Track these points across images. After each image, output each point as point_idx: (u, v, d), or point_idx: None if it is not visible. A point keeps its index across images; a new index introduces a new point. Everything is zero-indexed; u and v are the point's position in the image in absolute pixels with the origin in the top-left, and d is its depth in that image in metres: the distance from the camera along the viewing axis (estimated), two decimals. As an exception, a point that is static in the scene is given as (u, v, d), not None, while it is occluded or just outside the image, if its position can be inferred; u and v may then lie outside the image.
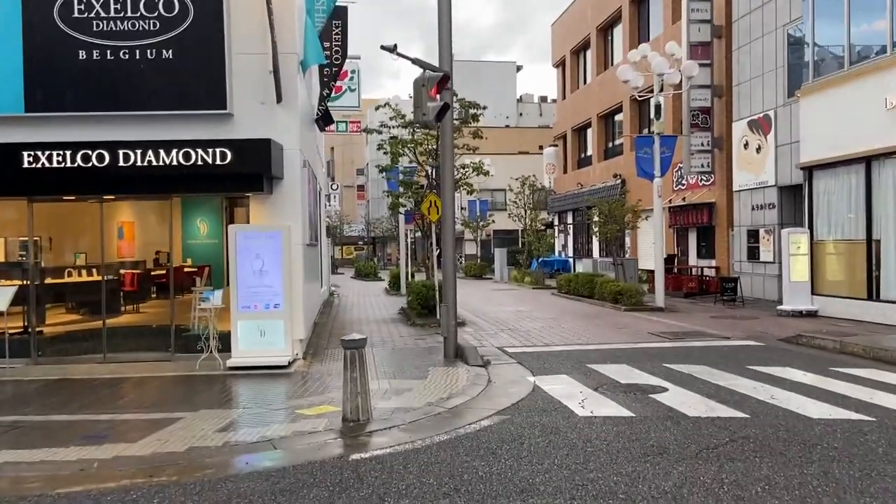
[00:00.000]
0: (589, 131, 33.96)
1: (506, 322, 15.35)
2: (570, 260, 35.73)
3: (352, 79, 24.99)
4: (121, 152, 9.25)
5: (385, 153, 15.93)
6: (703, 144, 21.64)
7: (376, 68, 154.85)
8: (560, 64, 37.27)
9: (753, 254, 19.66)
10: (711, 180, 22.22)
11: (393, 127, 15.56)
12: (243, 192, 9.92)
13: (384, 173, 16.33)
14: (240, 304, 9.68)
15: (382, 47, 9.12)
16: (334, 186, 74.56)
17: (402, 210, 17.33)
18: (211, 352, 9.69)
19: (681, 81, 19.00)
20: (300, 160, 10.31)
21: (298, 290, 10.14)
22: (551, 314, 16.91)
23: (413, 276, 25.34)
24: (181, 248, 15.75)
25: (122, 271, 14.01)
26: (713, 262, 22.43)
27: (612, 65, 30.86)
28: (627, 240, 28.07)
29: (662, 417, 6.57)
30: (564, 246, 36.81)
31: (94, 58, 9.66)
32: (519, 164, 42.80)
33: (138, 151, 9.26)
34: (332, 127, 26.15)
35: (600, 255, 31.67)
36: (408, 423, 6.71)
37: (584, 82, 34.46)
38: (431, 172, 15.85)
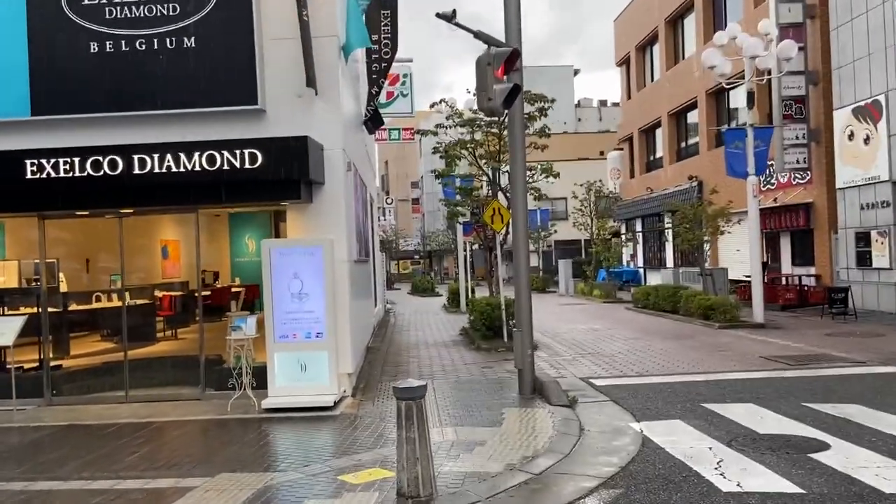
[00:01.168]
0: (658, 131, 31.67)
1: (583, 344, 13.44)
2: (641, 271, 33.38)
3: (404, 83, 23.59)
4: (136, 157, 7.88)
5: (441, 157, 14.35)
6: (797, 138, 19.26)
7: (429, 83, 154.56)
8: (624, 62, 35.13)
9: (864, 259, 17.16)
10: (808, 178, 19.77)
11: (450, 127, 13.98)
12: (278, 201, 8.43)
13: (439, 179, 14.73)
14: (276, 334, 8.17)
15: (438, 15, 7.51)
16: (389, 200, 73.86)
17: (460, 220, 15.66)
18: (244, 389, 8.19)
19: (768, 68, 16.76)
20: (344, 162, 8.77)
21: (345, 314, 8.56)
22: (633, 333, 14.90)
23: (473, 291, 23.63)
24: (229, 267, 14.60)
25: (157, 293, 12.85)
26: (812, 270, 19.93)
27: (683, 58, 28.62)
28: (707, 248, 25.66)
29: (848, 496, 4.65)
30: (633, 256, 34.47)
31: (108, 50, 8.37)
32: (580, 170, 40.48)
33: (155, 156, 7.87)
34: (385, 135, 24.83)
35: (675, 265, 29.27)
36: (485, 499, 4.98)
37: (652, 79, 32.23)
38: (494, 176, 14.15)
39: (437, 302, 28.37)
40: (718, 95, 25.96)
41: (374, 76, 13.20)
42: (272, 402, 7.99)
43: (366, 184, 12.87)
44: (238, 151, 7.85)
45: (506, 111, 8.19)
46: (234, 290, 13.58)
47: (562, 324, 17.43)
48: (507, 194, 14.14)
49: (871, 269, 16.95)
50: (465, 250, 25.20)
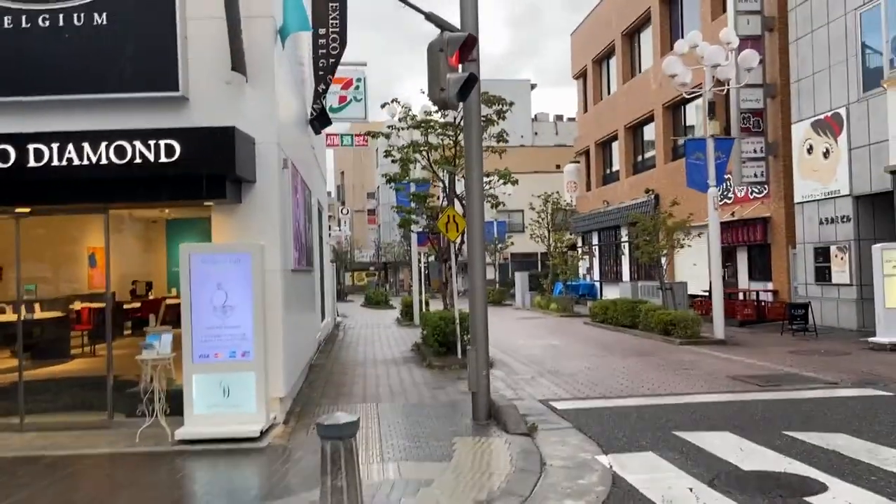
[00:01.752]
0: (615, 144, 31.44)
1: (542, 361, 12.66)
2: (597, 284, 33.01)
3: (357, 87, 22.62)
4: (31, 148, 6.77)
5: (393, 161, 13.47)
6: (755, 151, 19.02)
7: (385, 95, 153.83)
8: (581, 75, 34.92)
9: (822, 275, 16.89)
10: (765, 192, 19.54)
11: (402, 129, 13.11)
12: (201, 201, 7.39)
13: (391, 184, 13.80)
14: (195, 353, 7.11)
15: (384, -11, 6.69)
16: (345, 211, 72.55)
17: (413, 229, 14.76)
18: (156, 417, 7.10)
19: (725, 80, 16.37)
20: (279, 159, 7.81)
21: (277, 330, 7.57)
22: (593, 349, 14.20)
23: (427, 304, 22.73)
24: (166, 277, 13.40)
25: (75, 305, 11.62)
26: (769, 286, 19.66)
27: (640, 72, 28.45)
28: (663, 261, 25.34)
29: (861, 555, 3.89)
30: (590, 269, 34.09)
31: (6, 26, 7.26)
32: (536, 183, 40.16)
33: (54, 146, 6.77)
34: (336, 140, 23.81)
35: (632, 279, 28.93)
36: (428, 561, 4.07)
37: (609, 92, 32.03)
38: (448, 182, 13.31)
39: (390, 315, 27.37)
40: (675, 109, 25.79)
41: (321, 73, 12.23)
42: (188, 431, 6.93)
43: (310, 188, 11.89)
44: (153, 142, 6.81)
45: (461, 104, 7.36)
46: (168, 302, 12.44)
47: (519, 339, 16.66)
48: (463, 202, 13.34)
49: (830, 285, 16.68)
50: (419, 261, 24.30)
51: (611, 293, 30.50)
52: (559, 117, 66.13)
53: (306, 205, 11.03)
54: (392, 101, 12.84)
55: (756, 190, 19.89)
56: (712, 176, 15.28)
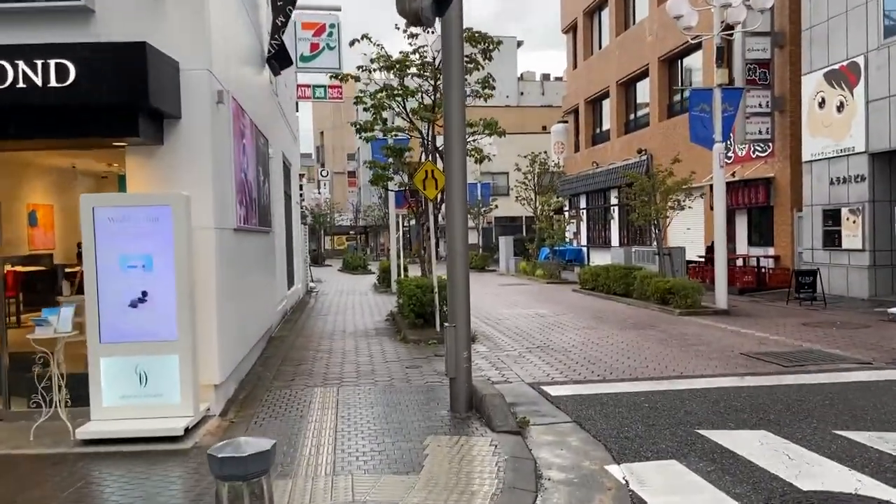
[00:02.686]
0: (606, 102, 29.89)
1: (530, 334, 11.37)
2: (584, 250, 31.79)
3: (331, 34, 20.87)
4: None
5: (365, 109, 11.87)
6: (760, 106, 17.62)
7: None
8: (570, 28, 33.16)
9: (831, 240, 15.69)
10: (769, 150, 18.22)
11: (375, 69, 11.49)
12: (109, 139, 5.87)
13: (361, 135, 12.17)
14: (103, 331, 5.68)
15: None
16: (324, 173, 70.51)
17: (389, 186, 13.23)
18: (55, 408, 5.69)
19: (735, 23, 14.85)
20: (212, 90, 6.28)
21: (210, 302, 6.14)
22: (585, 321, 12.94)
23: (406, 269, 21.34)
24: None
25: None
26: (770, 251, 18.48)
27: (634, 23, 26.79)
28: (661, 224, 24.06)
29: None
30: (577, 234, 32.81)
31: None
32: (522, 144, 38.59)
33: None
34: (308, 92, 22.08)
35: (621, 244, 27.72)
36: None
37: (600, 47, 30.35)
38: (427, 132, 11.75)
39: (367, 280, 26.00)
40: (672, 63, 24.27)
41: (281, 3, 10.63)
42: (93, 429, 5.53)
43: (267, 137, 10.33)
44: (40, 62, 5.26)
45: (437, 21, 5.86)
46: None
47: (504, 308, 15.36)
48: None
49: (839, 251, 15.49)
50: (399, 224, 22.83)
51: (599, 258, 29.33)
52: (546, 76, 64.14)
53: (261, 155, 9.51)
54: (362, 38, 11.21)
55: (759, 148, 18.55)
56: (718, 130, 13.88)
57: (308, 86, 21.81)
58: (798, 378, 7.53)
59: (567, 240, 32.66)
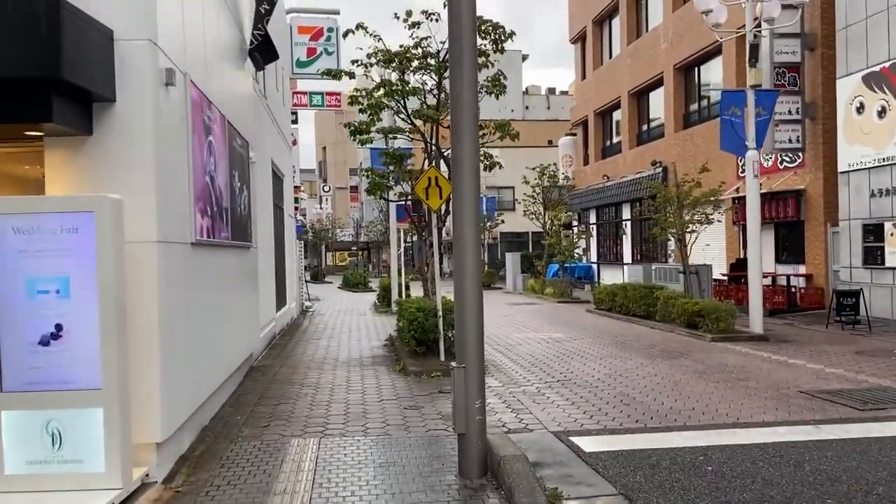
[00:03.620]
0: (616, 114, 28.69)
1: (546, 363, 10.00)
2: (594, 266, 30.42)
3: (328, 39, 19.75)
4: None
5: (361, 110, 10.55)
6: (790, 112, 16.35)
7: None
8: (579, 38, 32.05)
9: (874, 257, 14.32)
10: (799, 160, 16.91)
11: (371, 65, 10.20)
12: (10, 124, 4.56)
13: (355, 137, 10.79)
14: (5, 378, 4.34)
15: None
16: (326, 188, 69.40)
17: (389, 197, 11.86)
18: (-56, 481, 4.34)
19: (768, 19, 13.56)
20: (157, 67, 4.97)
21: (151, 338, 4.80)
22: (606, 347, 11.56)
23: (408, 287, 20.01)
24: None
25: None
26: (801, 269, 17.10)
27: (647, 31, 25.64)
28: (691, 239, 22.71)
29: None
30: (586, 250, 31.44)
31: None
32: (528, 158, 37.38)
33: None
34: (304, 100, 20.90)
35: (633, 261, 26.36)
36: None
37: (610, 56, 29.20)
38: (430, 134, 10.45)
39: (367, 299, 24.67)
40: (688, 71, 23.06)
41: (264, -12, 9.40)
42: (-15, 509, 4.19)
43: (247, 139, 9.04)
44: (-82, 23, 3.98)
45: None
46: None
47: (514, 331, 13.99)
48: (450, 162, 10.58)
49: (882, 269, 14.11)
50: (400, 239, 21.53)
51: (610, 276, 27.98)
52: (552, 90, 63.16)
53: (237, 158, 8.21)
54: (357, 28, 9.92)
55: (788, 158, 17.25)
56: (752, 136, 12.58)
57: (304, 92, 20.62)
58: (885, 427, 6.13)
59: (576, 256, 31.34)
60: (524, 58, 60.99)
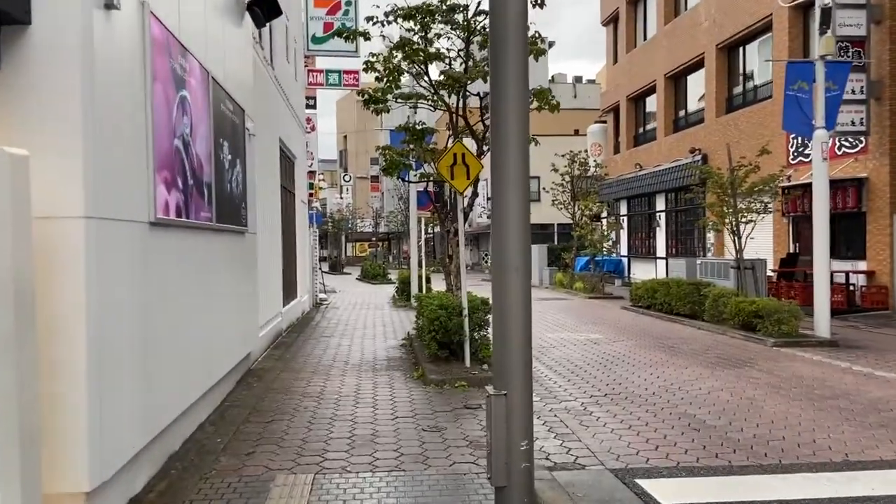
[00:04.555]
0: (651, 99, 27.09)
1: (588, 371, 8.63)
2: (624, 260, 28.89)
3: (346, 12, 18.43)
4: None
5: (378, 78, 9.18)
6: (853, 91, 14.69)
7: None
8: (611, 20, 30.45)
9: (952, 253, 12.70)
10: (861, 145, 15.28)
11: (389, 22, 8.81)
12: None
13: (371, 107, 9.39)
14: None
15: None
16: (346, 178, 68.32)
17: (406, 177, 10.49)
18: None
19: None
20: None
21: (77, 348, 3.51)
22: (653, 351, 10.16)
23: (429, 280, 18.71)
24: None
25: None
26: (861, 265, 15.49)
27: (685, 8, 23.99)
28: (711, 233, 21.19)
29: None
30: (615, 243, 29.87)
31: None
32: (553, 147, 35.71)
33: None
34: (321, 78, 19.60)
35: (668, 255, 24.82)
36: None
37: (644, 38, 27.57)
38: (457, 105, 9.07)
39: (386, 291, 23.42)
40: (732, 51, 21.40)
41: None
42: None
43: (243, 107, 7.75)
44: None
45: None
46: None
47: (547, 330, 12.63)
48: (483, 137, 9.17)
49: (964, 266, 12.50)
50: (421, 228, 20.22)
51: (641, 270, 26.53)
52: (578, 79, 61.31)
53: (227, 126, 6.93)
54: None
55: (848, 143, 15.62)
56: (821, 114, 11.05)
57: (320, 70, 19.32)
58: None
59: (607, 249, 29.79)
60: (550, 44, 59.18)
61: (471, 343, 8.39)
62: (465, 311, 8.29)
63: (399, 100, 9.14)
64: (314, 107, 24.21)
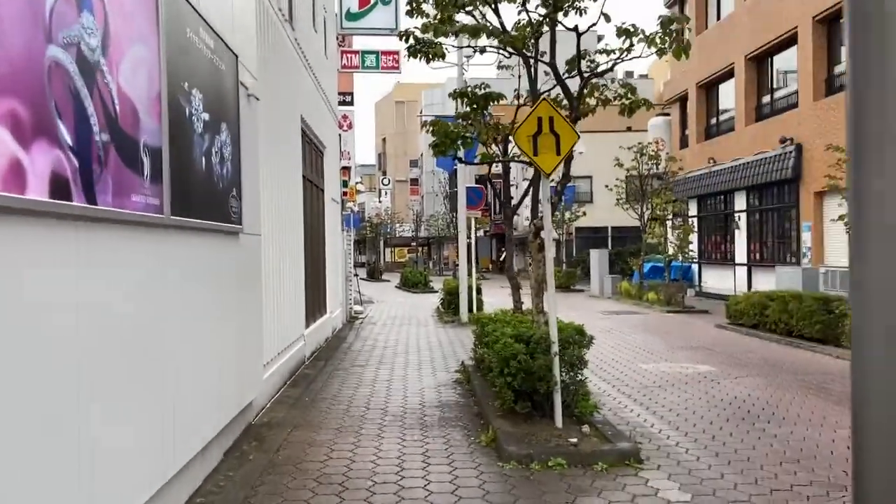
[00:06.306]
0: (725, 85, 24.08)
1: (724, 428, 5.93)
2: (693, 266, 25.82)
3: (386, -18, 16.05)
4: None
5: (426, 26, 6.68)
6: None
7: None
8: (676, 0, 27.49)
9: None
10: None
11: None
12: None
13: (418, 56, 6.84)
14: None
15: None
16: (385, 181, 66.29)
17: (463, 155, 7.92)
18: None
19: None
20: None
21: None
22: (801, 394, 7.40)
23: (479, 291, 16.15)
24: None
25: None
26: None
27: (772, -20, 20.96)
28: (807, 235, 18.12)
29: None
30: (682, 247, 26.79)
31: None
32: (606, 145, 32.74)
33: None
34: (356, 60, 17.22)
35: (750, 260, 21.78)
36: None
37: (718, 17, 24.61)
38: (534, 62, 6.49)
39: (429, 302, 20.88)
40: (832, 23, 18.37)
41: None
42: None
43: (229, 45, 5.33)
44: None
45: None
46: None
47: (637, 358, 9.92)
48: (579, 95, 6.56)
49: None
50: (472, 230, 17.70)
51: (714, 278, 23.64)
52: (629, 74, 58.15)
53: (193, 63, 4.49)
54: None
55: None
56: None
57: (356, 52, 16.96)
58: None
59: (669, 253, 26.79)
60: (599, 38, 56.23)
61: (559, 389, 5.78)
62: (555, 346, 5.69)
63: (459, 36, 6.58)
64: (351, 102, 21.99)
